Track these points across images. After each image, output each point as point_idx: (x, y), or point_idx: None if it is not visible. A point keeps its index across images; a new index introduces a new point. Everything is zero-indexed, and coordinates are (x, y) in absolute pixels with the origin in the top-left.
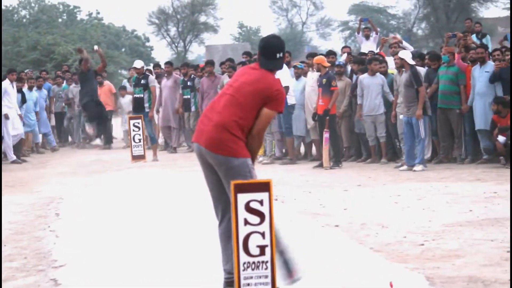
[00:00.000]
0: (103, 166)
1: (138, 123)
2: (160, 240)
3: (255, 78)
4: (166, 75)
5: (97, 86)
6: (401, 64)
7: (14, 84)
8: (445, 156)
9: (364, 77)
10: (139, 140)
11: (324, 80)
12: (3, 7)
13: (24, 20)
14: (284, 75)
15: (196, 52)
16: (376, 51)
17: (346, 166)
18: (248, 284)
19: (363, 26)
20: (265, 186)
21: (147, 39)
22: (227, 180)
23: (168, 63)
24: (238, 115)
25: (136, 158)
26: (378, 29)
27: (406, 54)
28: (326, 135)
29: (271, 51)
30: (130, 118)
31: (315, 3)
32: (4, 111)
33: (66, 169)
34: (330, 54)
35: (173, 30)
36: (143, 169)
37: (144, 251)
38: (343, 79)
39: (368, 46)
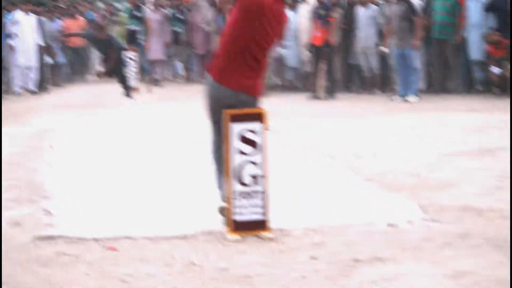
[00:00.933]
0: (96, 99)
1: (134, 56)
2: (154, 174)
3: None
4: (153, 8)
5: None
6: None
7: (30, 14)
8: (439, 87)
9: (359, 9)
10: (134, 72)
11: (323, 11)
12: None
13: None
14: None
15: None
16: None
17: (340, 98)
18: (241, 213)
19: None
20: (258, 116)
21: None
22: None
23: None
24: None
25: (132, 90)
26: None
27: None
28: (321, 65)
29: None
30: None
31: None
32: (14, 42)
33: (60, 102)
34: None
35: None
36: (137, 101)
37: (138, 184)
38: (336, 11)
39: None
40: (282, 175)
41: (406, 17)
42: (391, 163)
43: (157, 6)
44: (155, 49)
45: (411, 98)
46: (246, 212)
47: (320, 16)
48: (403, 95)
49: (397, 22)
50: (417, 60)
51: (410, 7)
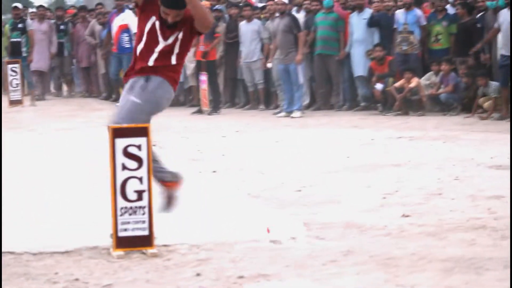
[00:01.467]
0: None
1: (16, 67)
2: (42, 190)
3: None
4: (37, 19)
5: None
6: (275, 10)
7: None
8: (323, 103)
9: (242, 24)
10: (17, 84)
11: None
12: None
13: None
14: (134, 22)
15: None
16: None
17: (225, 113)
18: (125, 229)
19: None
20: (143, 131)
21: None
22: None
23: (41, 7)
24: None
25: (13, 103)
26: None
27: None
28: (203, 77)
29: None
30: (8, 63)
31: None
32: None
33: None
34: None
35: None
36: (21, 114)
37: (25, 200)
38: (220, 25)
39: None
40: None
41: (289, 31)
42: (276, 179)
43: (42, 16)
44: (38, 60)
45: (296, 114)
46: (130, 228)
47: None
48: (287, 111)
49: (280, 37)
50: (301, 75)
51: (294, 21)
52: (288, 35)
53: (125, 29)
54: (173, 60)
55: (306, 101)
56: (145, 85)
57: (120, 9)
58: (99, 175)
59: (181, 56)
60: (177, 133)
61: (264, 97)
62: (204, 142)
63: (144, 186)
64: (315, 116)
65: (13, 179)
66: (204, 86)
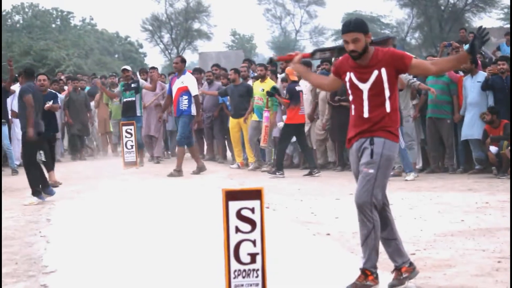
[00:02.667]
0: (95, 173)
1: (131, 129)
2: (151, 247)
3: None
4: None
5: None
6: None
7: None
8: (436, 166)
9: None
10: (131, 146)
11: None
12: None
13: (18, 25)
14: (193, 84)
15: (189, 59)
16: None
17: (337, 176)
18: None
19: None
20: (256, 194)
21: (141, 46)
22: None
23: (153, 68)
24: None
25: (128, 164)
26: (372, 38)
27: None
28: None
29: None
30: (123, 124)
31: (309, 11)
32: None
33: (58, 175)
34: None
35: (166, 37)
36: (135, 176)
37: (136, 258)
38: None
39: None
40: (280, 252)
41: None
42: None
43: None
44: (149, 125)
45: (409, 176)
46: None
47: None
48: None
49: None
50: (402, 139)
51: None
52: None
53: (184, 91)
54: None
55: (419, 164)
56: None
57: (180, 72)
58: (212, 237)
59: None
60: (290, 195)
61: None
62: (318, 205)
63: (258, 249)
64: (428, 179)
65: (128, 241)
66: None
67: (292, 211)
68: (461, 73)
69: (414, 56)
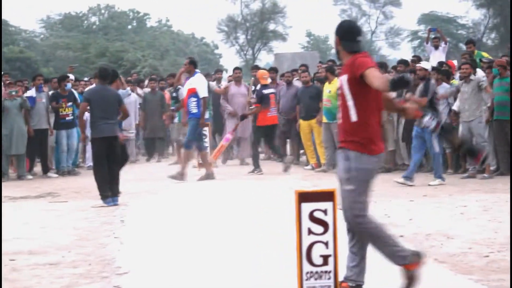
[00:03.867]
0: (168, 174)
1: (206, 130)
2: (224, 248)
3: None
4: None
5: None
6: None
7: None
8: (505, 168)
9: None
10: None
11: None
12: (73, 13)
13: (94, 26)
14: (202, 86)
15: (264, 60)
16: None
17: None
18: None
19: (432, 36)
20: (329, 196)
21: (216, 47)
22: None
23: (237, 68)
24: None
25: (202, 165)
26: (448, 39)
27: (427, 65)
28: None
29: (353, 34)
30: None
31: (385, 12)
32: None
33: (131, 177)
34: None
35: (242, 38)
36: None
37: (208, 259)
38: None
39: (437, 56)
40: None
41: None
42: (462, 244)
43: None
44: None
45: (434, 182)
46: None
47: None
48: (405, 177)
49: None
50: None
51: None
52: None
53: (193, 93)
54: None
55: (494, 166)
56: None
57: (190, 73)
58: (285, 239)
59: None
60: None
61: (453, 160)
62: (392, 206)
63: (330, 251)
64: (503, 181)
65: (201, 242)
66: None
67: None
68: None
69: (372, 66)
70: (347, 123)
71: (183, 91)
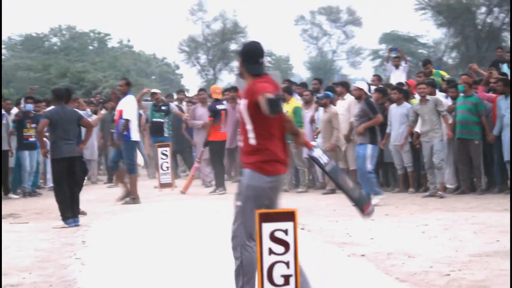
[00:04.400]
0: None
1: (166, 150)
2: (186, 269)
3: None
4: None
5: None
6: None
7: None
8: (466, 187)
9: (392, 107)
10: (167, 168)
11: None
12: (34, 34)
13: (55, 47)
14: (128, 108)
15: (226, 80)
16: (404, 80)
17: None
18: None
19: (393, 55)
20: (290, 216)
21: (177, 67)
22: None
23: (201, 90)
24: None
25: (164, 186)
26: (409, 58)
27: (363, 85)
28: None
29: (256, 56)
30: (158, 146)
31: (346, 31)
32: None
33: (92, 197)
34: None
35: (203, 58)
36: (170, 197)
37: (170, 282)
38: (327, 111)
39: (398, 75)
40: (315, 274)
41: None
42: (424, 263)
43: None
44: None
45: (374, 200)
46: None
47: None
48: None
49: (427, 118)
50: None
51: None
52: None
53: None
54: None
55: (453, 184)
56: None
57: (124, 95)
58: None
59: None
60: (325, 216)
61: (414, 180)
62: (353, 225)
63: (291, 271)
64: (464, 199)
65: (164, 264)
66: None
67: (327, 232)
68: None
69: (269, 91)
70: (247, 146)
71: (116, 112)
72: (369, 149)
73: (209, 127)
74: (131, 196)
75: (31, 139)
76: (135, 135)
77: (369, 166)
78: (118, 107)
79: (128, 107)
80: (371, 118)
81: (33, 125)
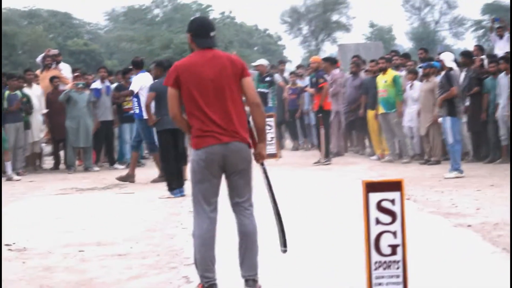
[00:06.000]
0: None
1: (271, 121)
2: (290, 237)
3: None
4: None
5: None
6: None
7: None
8: None
9: (501, 77)
10: (271, 138)
11: (314, 79)
12: (136, 6)
13: (157, 19)
14: (134, 82)
15: (328, 51)
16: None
17: (478, 167)
18: (380, 284)
19: (496, 26)
20: (397, 186)
21: (279, 38)
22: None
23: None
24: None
25: (269, 156)
26: None
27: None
28: (322, 131)
29: (206, 30)
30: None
31: (448, 2)
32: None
33: None
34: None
35: (305, 29)
36: (274, 167)
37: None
38: (429, 80)
39: (502, 46)
40: (421, 244)
41: None
42: None
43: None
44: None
45: (450, 174)
46: (384, 282)
47: (312, 84)
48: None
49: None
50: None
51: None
52: None
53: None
54: None
55: None
56: None
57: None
58: (353, 229)
59: None
60: (431, 187)
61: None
62: (459, 196)
63: (398, 241)
64: None
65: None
66: (321, 139)
67: (433, 202)
68: None
69: None
70: None
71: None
72: (448, 121)
73: (325, 93)
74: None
75: (131, 112)
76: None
77: (450, 138)
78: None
79: (134, 82)
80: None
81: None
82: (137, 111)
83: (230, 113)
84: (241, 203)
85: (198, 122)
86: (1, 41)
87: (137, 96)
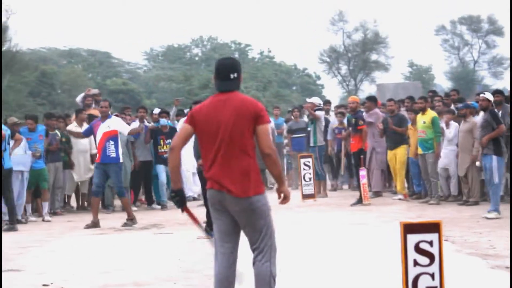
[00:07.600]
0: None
1: (309, 161)
2: (329, 278)
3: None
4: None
5: None
6: None
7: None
8: None
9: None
10: (309, 179)
11: (353, 119)
12: (175, 45)
13: (196, 58)
14: (121, 126)
15: (367, 91)
16: None
17: None
18: None
19: None
20: (435, 227)
21: (318, 77)
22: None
23: (370, 98)
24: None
25: (306, 197)
26: None
27: (490, 96)
28: (362, 172)
29: (225, 72)
30: (301, 157)
31: (487, 41)
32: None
33: None
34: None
35: (344, 69)
36: (312, 208)
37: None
38: (467, 121)
39: None
40: (459, 286)
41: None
42: None
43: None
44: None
45: (490, 215)
46: None
47: (350, 124)
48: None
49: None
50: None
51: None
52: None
53: (111, 136)
54: None
55: None
56: None
57: (105, 117)
58: (391, 270)
59: None
60: (469, 228)
61: None
62: (497, 237)
63: (436, 283)
64: None
65: (300, 273)
66: (364, 181)
67: (471, 243)
68: None
69: None
70: None
71: (98, 135)
72: (494, 160)
73: (365, 135)
74: (128, 218)
75: (166, 155)
76: (121, 157)
77: (496, 178)
78: (104, 130)
79: (122, 125)
80: (495, 128)
81: (168, 141)
82: (113, 154)
83: (233, 161)
84: (254, 249)
85: (205, 163)
86: (1, 42)
87: (115, 138)
